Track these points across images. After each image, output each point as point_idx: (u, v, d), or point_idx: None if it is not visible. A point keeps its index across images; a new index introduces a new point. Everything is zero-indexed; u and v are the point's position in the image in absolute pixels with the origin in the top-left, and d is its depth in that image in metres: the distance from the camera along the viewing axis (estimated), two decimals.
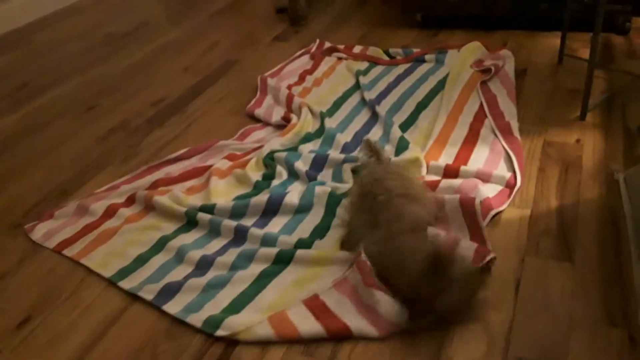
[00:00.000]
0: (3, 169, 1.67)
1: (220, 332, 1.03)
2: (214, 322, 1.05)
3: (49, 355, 1.04)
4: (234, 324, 1.04)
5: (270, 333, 1.02)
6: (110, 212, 1.40)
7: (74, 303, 1.15)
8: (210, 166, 1.52)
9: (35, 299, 1.18)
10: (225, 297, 1.11)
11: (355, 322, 1.02)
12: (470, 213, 1.20)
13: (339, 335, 1.01)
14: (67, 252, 1.29)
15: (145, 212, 1.39)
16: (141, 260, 1.24)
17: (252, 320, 1.04)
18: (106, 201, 1.44)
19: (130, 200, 1.43)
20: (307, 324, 1.03)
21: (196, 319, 1.07)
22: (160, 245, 1.28)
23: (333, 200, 1.33)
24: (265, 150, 1.55)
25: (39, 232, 1.37)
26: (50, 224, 1.39)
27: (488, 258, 1.11)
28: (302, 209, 1.33)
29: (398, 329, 1.00)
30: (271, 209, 1.33)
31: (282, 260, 1.18)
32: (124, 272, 1.21)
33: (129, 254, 1.26)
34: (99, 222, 1.37)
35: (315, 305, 1.06)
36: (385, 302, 1.02)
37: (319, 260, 1.16)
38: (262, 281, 1.14)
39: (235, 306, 1.09)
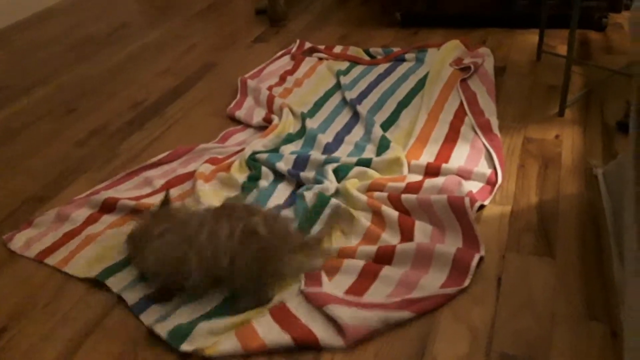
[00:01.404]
0: None
1: (185, 347, 0.99)
2: (180, 333, 1.01)
3: None
4: (200, 338, 1.00)
5: (237, 346, 0.99)
6: (92, 218, 1.37)
7: (51, 311, 1.13)
8: (193, 172, 1.49)
9: (11, 309, 1.15)
10: (199, 308, 1.08)
11: (323, 331, 1.00)
12: (461, 213, 1.20)
13: (306, 345, 0.99)
14: (49, 260, 1.26)
15: (128, 217, 1.36)
16: (124, 264, 1.20)
17: (219, 334, 1.01)
18: (87, 207, 1.41)
19: (112, 207, 1.39)
20: (273, 335, 1.00)
21: (163, 328, 1.03)
22: None
23: (321, 201, 1.31)
24: (247, 152, 1.53)
25: (18, 241, 1.33)
26: (30, 233, 1.36)
27: (476, 258, 1.11)
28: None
29: (365, 335, 0.99)
30: None
31: None
32: (110, 271, 1.18)
33: (113, 257, 1.22)
34: (81, 228, 1.34)
35: (282, 314, 1.04)
36: (345, 313, 1.01)
37: None
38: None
39: (207, 318, 1.06)
